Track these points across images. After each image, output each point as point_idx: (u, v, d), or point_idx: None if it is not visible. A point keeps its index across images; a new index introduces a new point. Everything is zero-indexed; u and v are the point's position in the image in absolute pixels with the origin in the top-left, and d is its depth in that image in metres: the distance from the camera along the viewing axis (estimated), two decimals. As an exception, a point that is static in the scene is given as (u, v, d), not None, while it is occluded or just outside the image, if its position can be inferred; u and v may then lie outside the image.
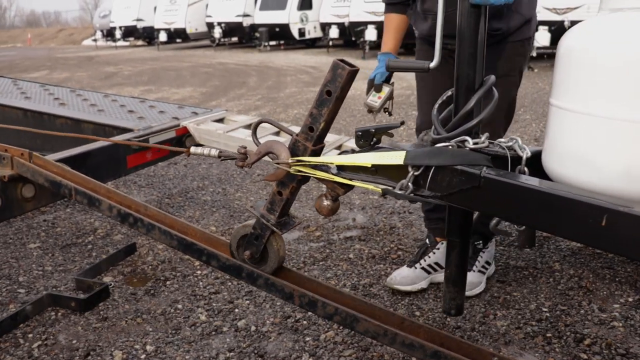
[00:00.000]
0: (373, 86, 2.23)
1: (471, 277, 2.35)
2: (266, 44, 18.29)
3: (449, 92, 1.50)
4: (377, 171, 1.39)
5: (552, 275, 2.52)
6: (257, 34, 18.39)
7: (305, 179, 1.50)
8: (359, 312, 1.60)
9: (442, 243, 2.40)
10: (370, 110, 2.23)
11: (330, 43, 17.48)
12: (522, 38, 2.14)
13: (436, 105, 1.49)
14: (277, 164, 1.46)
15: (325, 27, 17.41)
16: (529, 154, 1.31)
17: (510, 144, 1.35)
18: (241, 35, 20.04)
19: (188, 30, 20.20)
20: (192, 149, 1.73)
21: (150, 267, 2.61)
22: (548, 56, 12.18)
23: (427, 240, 2.54)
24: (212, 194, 3.77)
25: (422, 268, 2.38)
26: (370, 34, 15.41)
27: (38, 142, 3.31)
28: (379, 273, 2.54)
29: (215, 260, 1.73)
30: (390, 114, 2.21)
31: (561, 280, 2.47)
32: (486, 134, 1.36)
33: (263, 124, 1.72)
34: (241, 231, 1.65)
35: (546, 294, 2.36)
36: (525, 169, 1.31)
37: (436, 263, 2.39)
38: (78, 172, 2.13)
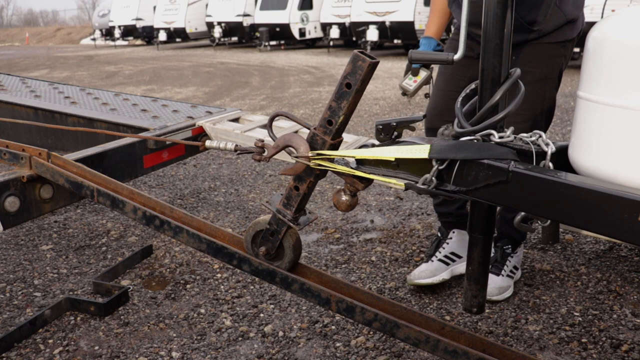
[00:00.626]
0: (411, 69, 2.19)
1: (500, 281, 2.31)
2: (266, 43, 18.25)
3: (473, 85, 1.47)
4: (399, 165, 1.36)
5: (579, 279, 2.47)
6: (258, 34, 18.34)
7: (323, 173, 1.46)
8: (398, 318, 1.55)
9: (454, 232, 2.41)
10: (405, 93, 2.19)
11: (331, 43, 17.46)
12: (563, 39, 2.06)
13: (459, 99, 1.46)
14: (296, 157, 1.42)
15: (325, 27, 17.40)
16: (554, 149, 1.28)
17: (534, 138, 1.31)
18: (241, 35, 19.98)
19: (188, 30, 20.14)
20: (208, 143, 1.68)
21: (168, 269, 2.55)
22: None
23: (438, 233, 2.53)
24: (224, 194, 3.70)
25: (440, 260, 2.37)
26: (372, 34, 15.38)
27: (49, 141, 3.25)
28: (404, 276, 2.48)
29: (247, 264, 1.67)
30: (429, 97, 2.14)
31: (589, 284, 2.42)
32: (511, 128, 1.33)
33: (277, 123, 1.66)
34: (256, 226, 1.60)
35: (575, 297, 2.31)
36: (550, 164, 1.27)
37: (452, 253, 2.39)
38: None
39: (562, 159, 1.33)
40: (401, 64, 13.05)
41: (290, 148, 1.45)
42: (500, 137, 1.29)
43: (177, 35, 20.49)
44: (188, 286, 2.39)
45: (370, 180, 1.41)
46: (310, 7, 18.50)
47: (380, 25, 15.47)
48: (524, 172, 1.20)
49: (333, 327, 2.07)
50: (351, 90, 1.32)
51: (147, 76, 11.51)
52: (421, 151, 1.30)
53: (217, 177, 4.13)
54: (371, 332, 2.02)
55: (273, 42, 18.86)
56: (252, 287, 2.37)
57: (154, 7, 21.12)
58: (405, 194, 3.60)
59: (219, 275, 2.48)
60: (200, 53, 18.02)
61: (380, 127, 1.39)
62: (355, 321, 1.61)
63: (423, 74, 2.19)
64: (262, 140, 1.51)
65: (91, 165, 2.31)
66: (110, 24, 22.60)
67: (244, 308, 2.20)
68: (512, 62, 1.75)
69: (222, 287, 2.38)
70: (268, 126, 1.52)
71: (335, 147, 1.41)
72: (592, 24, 1.38)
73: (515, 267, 2.39)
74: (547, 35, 2.03)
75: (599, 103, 1.22)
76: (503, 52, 1.36)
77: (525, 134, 1.33)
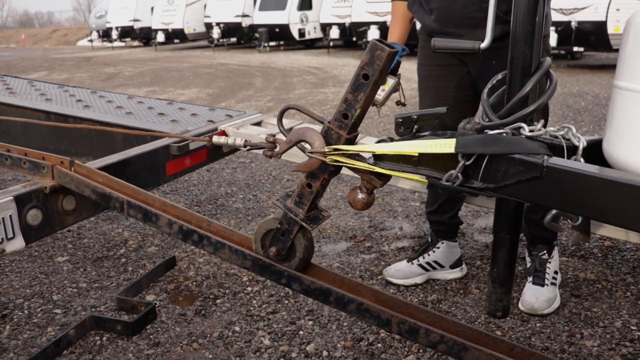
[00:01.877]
0: None
1: (546, 292, 2.20)
2: (266, 44, 18.10)
3: (500, 76, 1.38)
4: (421, 161, 1.27)
5: (627, 289, 2.34)
6: (257, 35, 18.19)
7: (337, 170, 1.37)
8: (464, 339, 1.42)
9: (442, 242, 2.43)
10: (374, 103, 2.06)
11: (331, 44, 17.35)
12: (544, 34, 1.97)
13: (486, 90, 1.37)
14: (311, 153, 1.31)
15: (325, 27, 17.28)
16: (585, 143, 1.20)
17: (562, 132, 1.22)
18: (240, 35, 19.81)
19: (186, 31, 19.95)
20: (215, 139, 1.57)
21: (194, 283, 2.41)
22: (554, 57, 12.04)
23: (429, 239, 2.50)
24: (243, 200, 3.56)
25: (420, 265, 2.41)
26: (373, 35, 15.25)
27: (62, 147, 3.11)
28: (444, 287, 2.35)
29: (298, 283, 1.54)
30: (404, 105, 2.04)
31: (640, 294, 2.29)
32: (542, 121, 1.24)
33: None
34: (266, 226, 1.48)
35: (628, 309, 2.18)
36: (581, 159, 1.19)
37: (435, 261, 2.41)
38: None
39: (592, 153, 1.25)
40: (403, 64, 12.94)
41: (304, 143, 1.35)
42: (531, 131, 1.21)
43: (175, 36, 20.30)
44: (218, 301, 2.25)
45: (389, 177, 1.33)
46: (309, 7, 18.37)
47: (382, 26, 15.36)
48: (560, 167, 1.11)
49: (379, 345, 1.93)
50: (368, 81, 1.23)
51: (148, 78, 11.35)
52: (446, 145, 1.21)
53: (232, 182, 3.99)
54: (421, 350, 1.89)
55: (272, 43, 18.72)
56: (286, 301, 2.23)
57: (152, 8, 20.92)
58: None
59: (249, 288, 2.35)
60: (199, 54, 17.86)
61: (400, 120, 1.32)
62: (418, 343, 1.48)
63: (390, 81, 2.08)
64: (274, 135, 1.42)
65: (114, 173, 2.17)
66: (108, 25, 22.37)
67: (281, 325, 2.07)
68: (493, 68, 1.69)
69: (254, 301, 2.24)
70: (278, 120, 1.43)
71: (350, 141, 1.32)
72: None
73: (556, 272, 2.31)
74: None
75: None
76: (534, 39, 1.28)
77: (552, 128, 1.24)
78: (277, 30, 18.01)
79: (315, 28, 18.44)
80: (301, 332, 2.01)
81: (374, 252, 2.74)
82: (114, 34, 22.08)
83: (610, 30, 10.18)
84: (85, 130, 3.00)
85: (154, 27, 20.37)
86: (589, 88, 8.43)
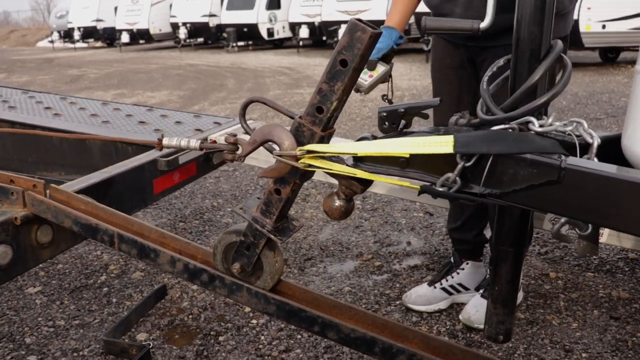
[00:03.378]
0: (368, 62, 1.85)
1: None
2: (234, 44, 17.75)
3: (502, 62, 1.18)
4: (409, 162, 1.08)
5: (667, 308, 2.15)
6: (225, 35, 17.83)
7: (311, 173, 1.18)
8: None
9: (468, 263, 2.20)
10: (357, 89, 1.83)
11: (301, 43, 17.13)
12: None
13: (485, 78, 1.16)
14: (279, 156, 1.12)
15: (294, 27, 17.06)
16: (599, 141, 1.02)
17: (570, 127, 1.03)
18: (207, 36, 19.37)
19: (151, 31, 19.39)
20: (165, 141, 1.36)
21: (190, 316, 2.12)
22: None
23: (451, 259, 2.26)
24: (231, 214, 3.27)
25: (443, 288, 2.18)
26: (344, 34, 15.07)
27: (30, 160, 2.77)
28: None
29: (335, 330, 1.28)
30: (390, 102, 1.80)
31: (681, 313, 2.11)
32: (553, 114, 1.04)
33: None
34: (227, 239, 1.29)
35: (674, 333, 1.99)
36: (595, 158, 1.01)
37: (460, 284, 2.19)
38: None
39: (606, 152, 1.06)
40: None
41: (272, 144, 1.16)
42: (541, 126, 1.02)
43: (140, 36, 19.69)
44: (221, 338, 1.96)
45: (370, 182, 1.15)
46: (278, 6, 18.10)
47: (353, 25, 15.17)
48: (582, 170, 0.93)
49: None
50: (347, 68, 1.04)
51: (115, 80, 10.87)
52: (443, 144, 1.01)
53: (217, 193, 3.69)
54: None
55: (241, 43, 18.38)
56: (299, 335, 1.96)
57: (116, 8, 20.25)
58: (434, 208, 3.25)
59: (254, 321, 2.07)
60: (166, 55, 17.34)
61: (385, 114, 1.14)
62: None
63: (381, 68, 1.83)
64: (235, 135, 1.23)
65: (97, 196, 1.87)
66: (69, 26, 21.58)
67: (297, 367, 1.80)
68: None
69: (262, 337, 1.97)
70: (240, 116, 1.25)
71: (325, 140, 1.13)
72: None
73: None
74: None
75: None
76: (545, 17, 1.09)
77: (559, 122, 1.05)
78: (245, 30, 17.72)
79: (284, 27, 18.22)
80: (323, 376, 1.75)
81: (385, 272, 2.49)
82: (76, 35, 21.33)
83: (582, 29, 10.20)
84: (56, 141, 2.67)
85: (118, 27, 19.73)
86: (567, 87, 8.38)
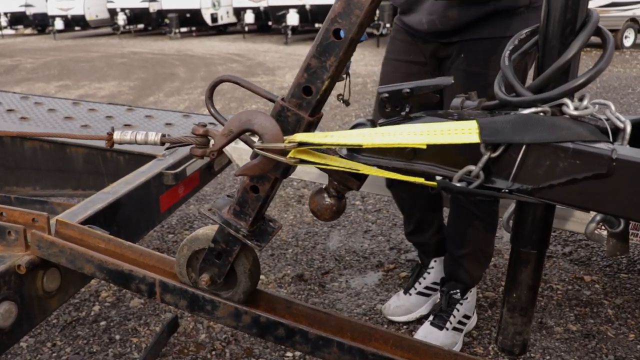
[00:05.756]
0: None
1: (441, 337, 1.88)
2: (177, 30, 17.08)
3: (524, 34, 1.00)
4: (416, 152, 0.92)
5: None
6: (167, 21, 17.15)
7: (294, 166, 1.00)
8: None
9: (435, 260, 2.10)
10: None
11: (246, 29, 16.70)
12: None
13: (506, 52, 0.98)
14: (261, 149, 0.93)
15: (239, 12, 16.67)
16: (630, 126, 0.88)
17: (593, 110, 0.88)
18: (148, 22, 18.55)
19: (88, 17, 18.40)
20: (117, 135, 1.12)
21: (213, 352, 1.84)
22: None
23: (418, 260, 2.18)
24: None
25: (419, 293, 2.07)
26: (292, 19, 14.76)
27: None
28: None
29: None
30: (347, 104, 1.64)
31: None
32: (588, 96, 0.89)
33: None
34: (194, 245, 1.13)
35: None
36: (627, 145, 0.88)
37: (434, 283, 2.08)
38: (116, 236, 1.35)
39: (634, 137, 0.93)
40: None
41: (250, 133, 0.98)
42: (576, 109, 0.86)
43: (75, 23, 18.62)
44: (256, 380, 1.71)
45: (365, 176, 0.99)
46: (222, -9, 17.57)
47: (301, 9, 14.93)
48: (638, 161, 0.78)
49: None
50: (342, 40, 0.89)
51: (55, 70, 10.13)
52: (465, 131, 0.84)
53: (201, 197, 3.38)
54: None
55: (184, 29, 17.73)
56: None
57: (46, -8, 19.09)
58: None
59: (289, 354, 1.82)
60: (106, 42, 16.44)
61: (387, 96, 0.95)
62: None
63: None
64: (205, 125, 1.03)
65: (104, 223, 1.57)
66: (-5, 12, 20.19)
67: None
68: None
69: (304, 375, 1.72)
70: (208, 100, 1.04)
71: (313, 127, 0.97)
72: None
73: (466, 317, 1.94)
74: (509, 20, 1.61)
75: None
76: None
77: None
78: (188, 15, 17.17)
79: (228, 13, 17.79)
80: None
81: (413, 284, 2.28)
82: (3, 21, 19.95)
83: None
84: (29, 152, 2.30)
85: (50, 13, 18.55)
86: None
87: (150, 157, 2.06)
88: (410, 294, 2.06)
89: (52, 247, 1.25)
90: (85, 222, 1.48)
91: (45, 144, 2.25)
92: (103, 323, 2.03)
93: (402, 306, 2.04)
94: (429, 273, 2.09)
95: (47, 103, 2.77)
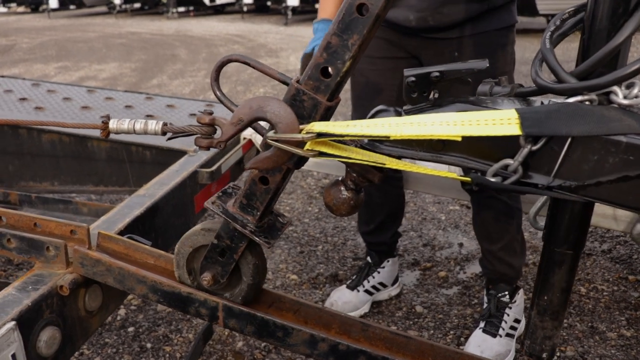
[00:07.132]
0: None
1: (496, 345, 1.78)
2: (174, 10, 16.77)
3: (566, 14, 0.90)
4: (445, 143, 0.84)
5: None
6: (164, 0, 16.80)
7: (307, 158, 0.91)
8: None
9: (388, 261, 2.10)
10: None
11: (245, 9, 16.40)
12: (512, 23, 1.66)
13: (547, 34, 0.87)
14: (276, 140, 0.85)
15: (238, -9, 16.32)
16: None
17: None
18: (144, 1, 18.21)
19: (83, -5, 18.03)
20: (113, 124, 0.99)
21: (252, 362, 1.74)
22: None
23: (368, 259, 2.12)
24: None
25: (366, 290, 2.06)
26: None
27: (11, 169, 2.25)
28: (576, 335, 1.85)
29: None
30: None
31: None
32: (638, 83, 0.80)
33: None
34: (195, 240, 1.04)
35: None
36: None
37: (380, 283, 2.08)
38: (154, 245, 1.24)
39: None
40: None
41: (263, 122, 0.89)
42: (625, 98, 0.77)
43: (70, 1, 18.28)
44: (303, 394, 1.60)
45: (383, 169, 0.91)
46: (220, -30, 17.23)
47: (301, -12, 14.66)
48: None
49: None
50: (367, 16, 0.81)
51: (52, 50, 9.90)
52: (505, 122, 0.75)
53: (219, 189, 3.25)
54: None
55: (181, 9, 17.41)
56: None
57: (40, -30, 18.69)
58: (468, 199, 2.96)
59: (333, 365, 1.71)
60: (102, 22, 16.12)
61: (413, 80, 0.86)
62: None
63: None
64: (211, 113, 0.92)
65: (142, 230, 1.45)
66: (-14, -11, 19.79)
67: None
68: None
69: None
70: (214, 82, 0.94)
71: (330, 113, 0.88)
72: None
73: (517, 321, 1.86)
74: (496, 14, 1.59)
75: None
76: None
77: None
78: (186, -6, 16.80)
79: (226, -8, 17.40)
80: None
81: (453, 283, 2.18)
82: (-5, -1, 19.57)
83: (537, -5, 10.10)
84: (47, 145, 2.16)
85: (44, -9, 18.20)
86: (529, 54, 8.26)
87: (179, 153, 1.93)
88: (358, 291, 2.05)
89: (98, 265, 1.14)
90: (124, 230, 1.36)
91: (65, 136, 2.12)
92: (131, 329, 1.92)
93: (349, 302, 2.02)
94: (378, 272, 2.08)
95: (60, 91, 2.63)
